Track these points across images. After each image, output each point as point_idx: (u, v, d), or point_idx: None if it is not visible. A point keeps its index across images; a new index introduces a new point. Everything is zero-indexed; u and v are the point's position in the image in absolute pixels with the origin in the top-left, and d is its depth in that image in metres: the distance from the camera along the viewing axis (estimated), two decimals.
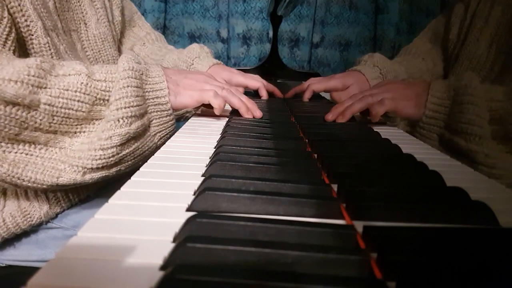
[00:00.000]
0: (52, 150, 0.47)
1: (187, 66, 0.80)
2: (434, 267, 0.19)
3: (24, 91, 0.41)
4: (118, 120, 0.47)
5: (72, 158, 0.47)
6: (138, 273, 0.20)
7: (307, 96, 0.82)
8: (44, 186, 0.46)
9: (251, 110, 0.61)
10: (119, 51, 0.80)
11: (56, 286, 0.18)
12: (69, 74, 0.46)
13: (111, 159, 0.48)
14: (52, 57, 0.51)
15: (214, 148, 0.44)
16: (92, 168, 0.47)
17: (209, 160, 0.39)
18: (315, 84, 0.83)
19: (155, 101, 0.54)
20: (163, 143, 0.54)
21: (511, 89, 0.54)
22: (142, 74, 0.52)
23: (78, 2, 0.62)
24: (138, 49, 0.82)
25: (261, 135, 0.48)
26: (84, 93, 0.46)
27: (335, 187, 0.33)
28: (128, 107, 0.48)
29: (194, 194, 0.31)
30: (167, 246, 0.22)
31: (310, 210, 0.28)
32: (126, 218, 0.26)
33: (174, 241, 0.23)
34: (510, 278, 0.19)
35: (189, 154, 0.42)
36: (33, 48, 0.50)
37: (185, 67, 0.80)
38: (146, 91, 0.52)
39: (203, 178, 0.33)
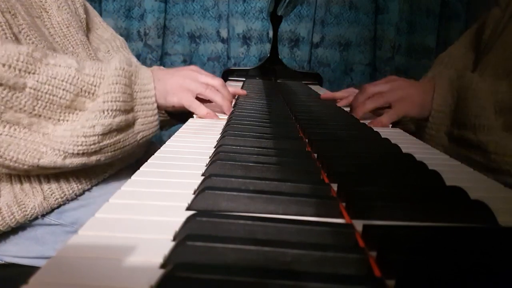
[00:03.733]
0: (35, 135, 0.49)
1: None
2: (433, 266, 0.19)
3: (10, 74, 0.45)
4: (103, 112, 0.50)
5: (54, 142, 0.49)
6: (139, 271, 0.20)
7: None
8: (25, 167, 0.49)
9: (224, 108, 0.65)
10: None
11: (57, 284, 0.19)
12: (60, 65, 0.49)
13: (92, 146, 0.51)
14: (6, 37, 0.52)
15: (214, 147, 0.44)
16: (72, 153, 0.50)
17: (209, 159, 0.40)
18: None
19: (142, 101, 0.57)
20: (145, 142, 0.59)
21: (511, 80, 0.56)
22: (132, 75, 0.55)
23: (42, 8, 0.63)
24: (101, 55, 0.82)
25: (261, 135, 0.48)
26: (70, 83, 0.49)
27: (334, 186, 0.33)
28: (114, 101, 0.51)
29: (194, 193, 0.31)
30: (167, 245, 0.22)
31: (309, 209, 0.28)
32: (126, 217, 0.26)
33: (174, 239, 0.23)
34: (509, 277, 0.19)
35: (189, 154, 0.42)
36: None
37: None
38: (135, 91, 0.56)
39: (203, 177, 0.33)
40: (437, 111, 0.59)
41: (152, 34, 1.61)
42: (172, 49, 1.67)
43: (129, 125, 0.55)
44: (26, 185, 0.54)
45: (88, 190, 0.60)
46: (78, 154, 0.50)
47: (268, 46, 1.63)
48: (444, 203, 0.29)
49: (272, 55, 1.40)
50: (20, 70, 0.46)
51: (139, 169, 0.36)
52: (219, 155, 0.38)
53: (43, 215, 0.56)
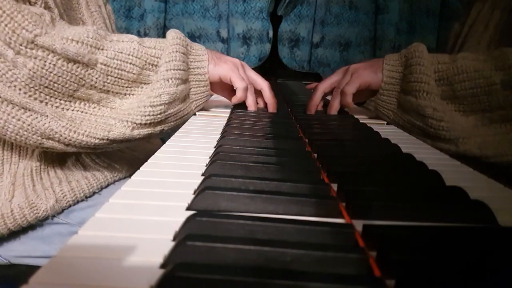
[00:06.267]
0: (104, 109, 0.52)
1: None
2: (433, 266, 0.19)
3: (84, 50, 0.47)
4: (168, 80, 0.53)
5: (122, 114, 0.52)
6: (139, 271, 0.20)
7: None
8: (97, 140, 0.50)
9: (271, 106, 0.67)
10: None
11: (57, 284, 0.19)
12: (123, 41, 0.52)
13: (159, 116, 0.53)
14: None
15: (214, 147, 0.44)
16: (140, 124, 0.52)
17: (209, 159, 0.40)
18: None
19: (195, 71, 0.59)
20: (197, 110, 0.63)
21: (455, 54, 0.60)
22: (187, 45, 0.58)
23: (77, 3, 0.64)
24: None
25: (261, 135, 0.48)
26: (135, 57, 0.52)
27: (334, 186, 0.33)
28: (177, 70, 0.54)
29: (194, 193, 0.31)
30: (167, 245, 0.22)
31: (309, 209, 0.28)
32: (126, 217, 0.26)
33: (174, 239, 0.23)
34: (509, 277, 0.19)
35: (189, 154, 0.42)
36: None
37: None
38: (190, 61, 0.58)
39: (203, 177, 0.33)
40: (387, 76, 0.63)
41: (152, 34, 1.60)
42: None
43: (187, 94, 0.58)
44: (39, 187, 0.54)
45: (98, 192, 0.60)
46: (145, 124, 0.52)
47: (268, 46, 1.63)
48: (444, 203, 0.29)
49: (272, 55, 1.40)
50: (91, 46, 0.48)
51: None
52: (219, 155, 0.38)
53: (53, 216, 0.56)
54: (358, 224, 0.25)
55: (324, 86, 0.69)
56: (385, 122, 0.66)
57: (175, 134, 0.52)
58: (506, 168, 0.50)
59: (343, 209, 0.28)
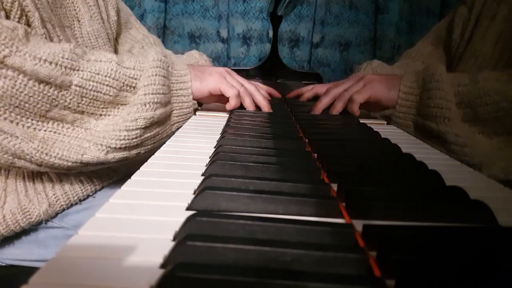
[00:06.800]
0: (78, 130, 0.50)
1: None
2: (433, 266, 0.19)
3: (57, 72, 0.45)
4: (145, 105, 0.51)
5: (96, 137, 0.50)
6: (139, 271, 0.20)
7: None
8: (69, 163, 0.49)
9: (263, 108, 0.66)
10: (116, 52, 0.80)
11: (57, 284, 0.19)
12: (100, 60, 0.50)
13: (134, 140, 0.51)
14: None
15: (214, 147, 0.44)
16: (115, 148, 0.51)
17: (209, 159, 0.40)
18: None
19: (178, 93, 0.58)
20: (177, 130, 0.59)
21: (475, 74, 0.57)
22: (168, 66, 0.56)
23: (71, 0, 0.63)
24: (137, 52, 0.83)
25: (260, 135, 0.48)
26: (113, 78, 0.50)
27: (334, 186, 0.33)
28: (155, 94, 0.52)
29: (194, 193, 0.31)
30: (167, 245, 0.22)
31: (309, 209, 0.28)
32: (126, 217, 0.26)
33: (174, 239, 0.23)
34: (509, 277, 0.19)
35: (189, 154, 0.42)
36: None
37: None
38: (171, 83, 0.56)
39: (203, 177, 0.33)
40: (403, 99, 0.61)
41: (152, 34, 1.60)
42: (172, 49, 1.66)
43: (166, 117, 0.56)
44: (31, 192, 0.54)
45: (92, 195, 0.60)
46: (120, 148, 0.51)
47: (268, 46, 1.62)
48: (444, 203, 0.29)
49: (272, 55, 1.40)
50: (65, 67, 0.46)
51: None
52: (219, 155, 0.38)
53: (47, 220, 0.56)
54: (358, 224, 0.25)
55: (336, 92, 0.67)
56: (385, 122, 0.66)
57: (175, 134, 0.52)
58: None
59: (343, 209, 0.28)
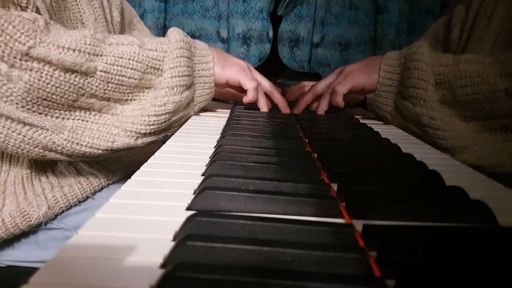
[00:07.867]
0: (105, 116, 0.50)
1: None
2: (433, 266, 0.19)
3: (81, 59, 0.45)
4: (173, 88, 0.51)
5: (125, 123, 0.50)
6: (139, 271, 0.20)
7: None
8: (100, 151, 0.49)
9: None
10: None
11: (58, 284, 0.19)
12: (122, 43, 0.49)
13: (163, 124, 0.52)
14: None
15: (214, 147, 0.44)
16: (145, 133, 0.51)
17: (209, 159, 0.40)
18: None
19: (200, 73, 0.58)
20: (198, 111, 0.61)
21: (459, 55, 0.56)
22: (191, 47, 0.55)
23: (75, 1, 0.62)
24: None
25: (260, 135, 0.48)
26: (137, 61, 0.49)
27: (334, 186, 0.33)
28: (181, 76, 0.52)
29: (194, 193, 0.31)
30: (167, 245, 0.22)
31: (309, 209, 0.28)
32: (126, 217, 0.26)
33: (174, 239, 0.23)
34: (509, 277, 0.19)
35: (189, 154, 0.42)
36: None
37: None
38: (194, 63, 0.56)
39: (203, 177, 0.33)
40: (384, 77, 0.61)
41: (152, 34, 1.60)
42: None
43: (191, 98, 0.57)
44: (30, 194, 0.53)
45: (91, 197, 0.60)
46: (150, 133, 0.51)
47: (268, 46, 1.62)
48: (444, 203, 0.29)
49: (272, 55, 1.40)
50: (89, 53, 0.46)
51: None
52: (219, 155, 0.38)
53: (46, 222, 0.55)
54: (358, 224, 0.25)
55: (318, 88, 0.68)
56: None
57: (175, 134, 0.52)
58: (502, 178, 0.48)
59: (343, 209, 0.28)
